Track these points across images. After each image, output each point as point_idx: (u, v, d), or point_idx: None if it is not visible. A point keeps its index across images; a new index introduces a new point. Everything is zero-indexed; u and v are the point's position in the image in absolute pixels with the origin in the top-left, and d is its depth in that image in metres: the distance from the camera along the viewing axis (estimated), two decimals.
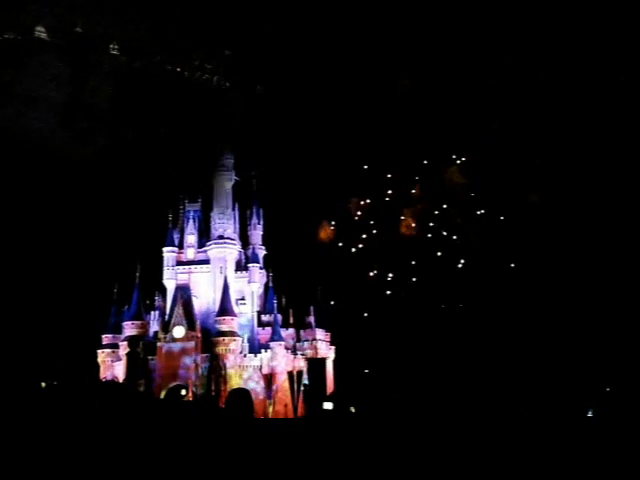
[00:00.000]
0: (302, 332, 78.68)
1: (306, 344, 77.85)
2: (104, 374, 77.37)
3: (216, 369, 73.50)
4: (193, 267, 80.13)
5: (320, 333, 78.86)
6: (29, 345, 78.66)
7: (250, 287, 79.85)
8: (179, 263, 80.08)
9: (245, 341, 76.20)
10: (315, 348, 77.66)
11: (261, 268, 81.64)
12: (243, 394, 68.82)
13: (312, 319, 79.06)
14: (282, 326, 77.77)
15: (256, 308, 79.71)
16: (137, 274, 79.63)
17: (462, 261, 77.86)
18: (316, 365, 75.92)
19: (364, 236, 73.45)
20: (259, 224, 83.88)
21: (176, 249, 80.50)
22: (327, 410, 64.40)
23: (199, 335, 74.86)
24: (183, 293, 77.79)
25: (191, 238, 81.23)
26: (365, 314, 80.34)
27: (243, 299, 79.27)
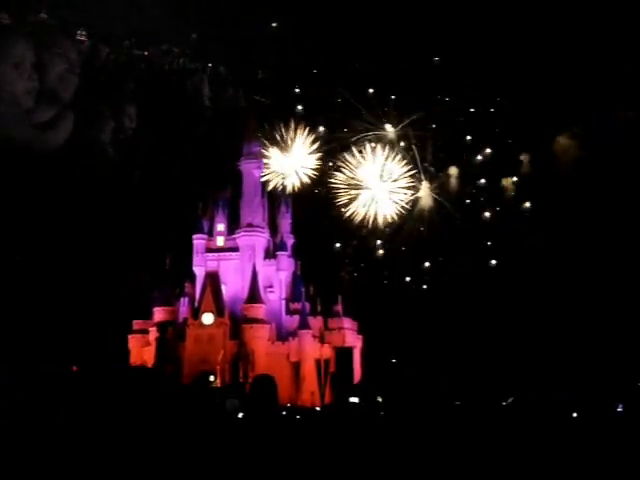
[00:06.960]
0: (330, 320, 78.78)
1: (334, 332, 77.92)
2: (134, 359, 78.45)
3: (244, 356, 74.03)
4: (222, 254, 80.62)
5: (348, 322, 78.84)
6: (61, 330, 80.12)
7: (278, 275, 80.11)
8: (208, 250, 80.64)
9: (273, 328, 76.57)
10: (342, 337, 77.71)
11: (289, 256, 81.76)
12: (267, 380, 69.06)
13: (340, 308, 79.07)
14: (310, 314, 77.88)
15: (284, 296, 80.00)
16: (167, 261, 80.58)
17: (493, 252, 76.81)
18: (343, 354, 75.97)
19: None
20: (287, 212, 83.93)
21: (205, 236, 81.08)
22: (353, 403, 64.31)
23: (228, 322, 75.44)
24: (212, 280, 78.39)
25: (220, 226, 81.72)
26: (393, 303, 79.88)
27: (271, 287, 79.57)
